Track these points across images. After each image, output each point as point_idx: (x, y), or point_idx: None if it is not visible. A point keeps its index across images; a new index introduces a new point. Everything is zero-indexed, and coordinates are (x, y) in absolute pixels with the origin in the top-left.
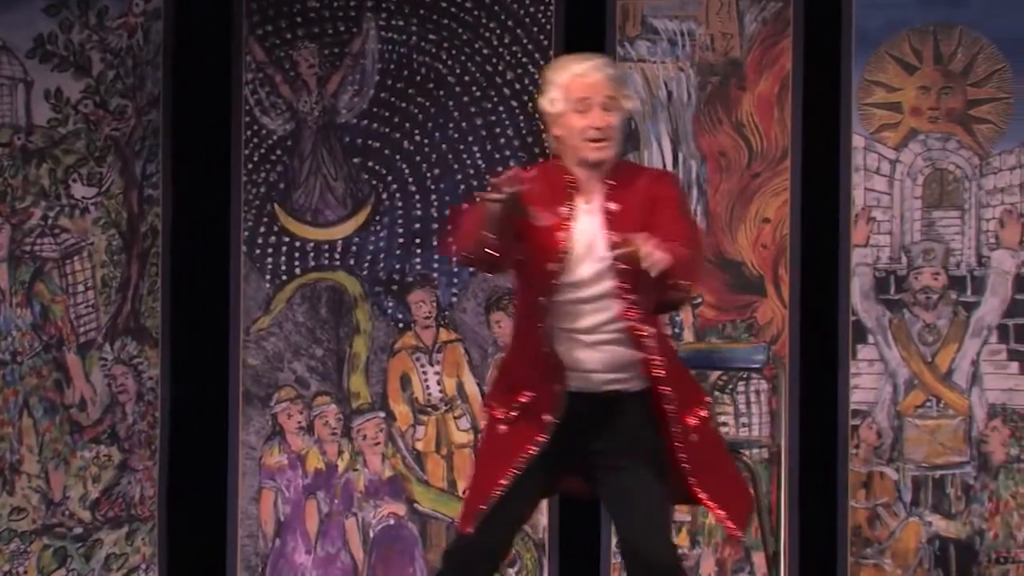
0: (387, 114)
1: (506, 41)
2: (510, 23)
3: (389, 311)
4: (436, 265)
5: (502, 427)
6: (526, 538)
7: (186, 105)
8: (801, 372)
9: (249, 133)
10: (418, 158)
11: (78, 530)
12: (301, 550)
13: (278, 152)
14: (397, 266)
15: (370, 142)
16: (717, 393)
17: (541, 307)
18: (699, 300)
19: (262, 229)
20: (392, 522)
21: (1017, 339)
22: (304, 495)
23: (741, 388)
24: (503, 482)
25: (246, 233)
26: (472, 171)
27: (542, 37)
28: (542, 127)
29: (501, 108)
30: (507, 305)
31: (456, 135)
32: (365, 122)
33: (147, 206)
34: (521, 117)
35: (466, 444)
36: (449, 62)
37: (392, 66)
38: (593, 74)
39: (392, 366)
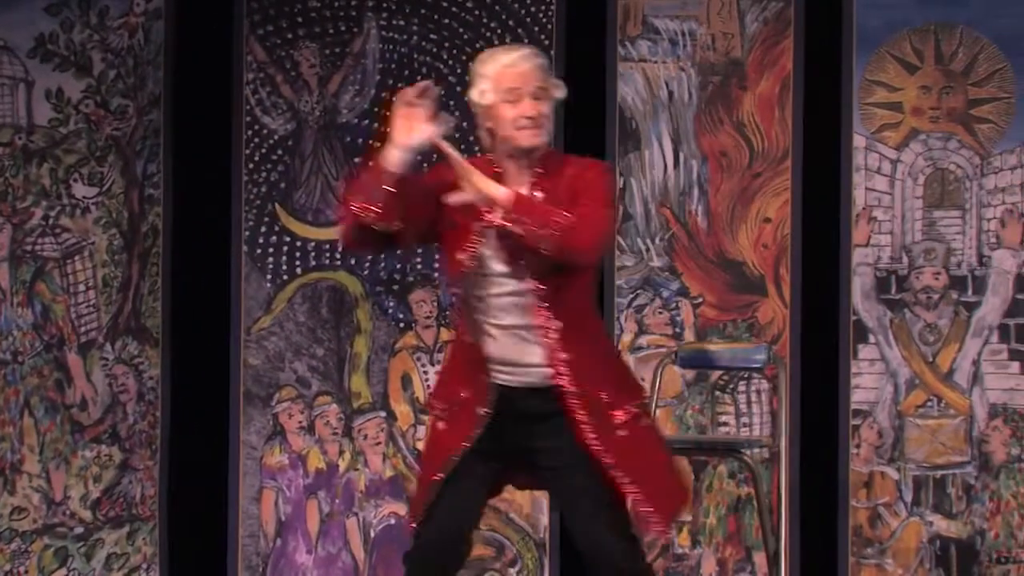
0: (388, 114)
1: (507, 41)
2: (511, 23)
3: (390, 311)
4: (437, 265)
5: (441, 424)
6: (527, 537)
7: (187, 105)
8: (802, 372)
9: (250, 133)
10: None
11: (79, 530)
12: (302, 550)
13: (279, 152)
14: (398, 266)
15: (371, 142)
16: (718, 393)
17: (460, 298)
18: (700, 299)
19: (263, 229)
20: (393, 522)
21: (1018, 339)
22: (305, 495)
23: (742, 388)
24: (439, 476)
25: (247, 233)
26: None
27: (543, 37)
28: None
29: None
30: None
31: (457, 135)
32: (366, 122)
33: (148, 206)
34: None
35: None
36: (450, 62)
37: (393, 66)
38: (522, 64)
39: (393, 366)
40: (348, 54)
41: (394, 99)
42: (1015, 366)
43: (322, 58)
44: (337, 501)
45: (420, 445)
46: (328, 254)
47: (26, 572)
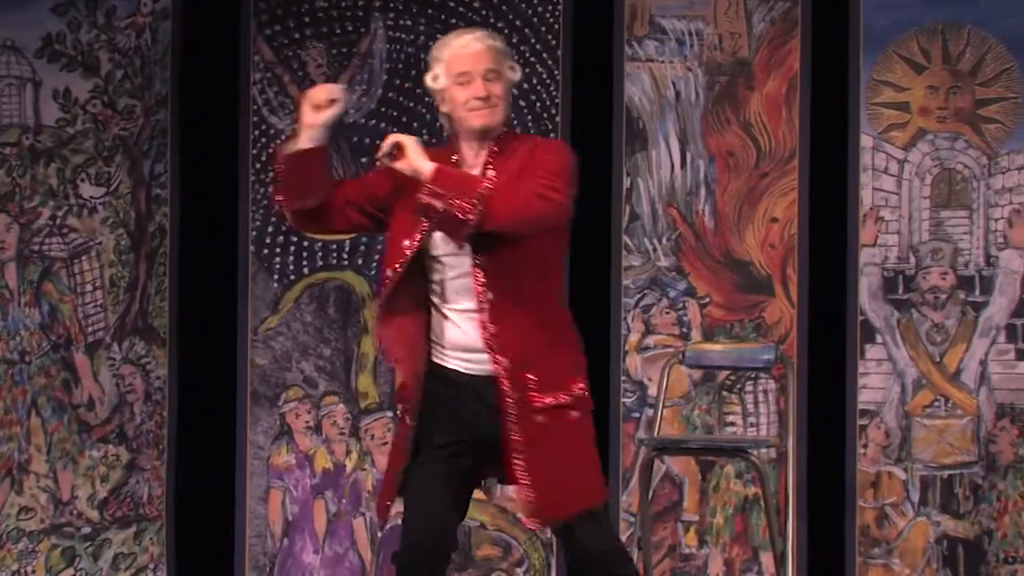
0: (395, 114)
1: (514, 41)
2: (518, 23)
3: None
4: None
5: (401, 420)
6: (533, 538)
7: (194, 105)
8: (809, 372)
9: (257, 133)
10: None
11: (86, 529)
12: (309, 550)
13: None
14: None
15: (378, 142)
16: (725, 393)
17: (399, 284)
18: (707, 299)
19: (270, 229)
20: (400, 522)
21: None
22: (312, 495)
23: (749, 388)
24: (392, 473)
25: (254, 233)
26: None
27: (550, 37)
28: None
29: None
30: None
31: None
32: (373, 122)
33: (155, 206)
34: (529, 117)
35: None
36: None
37: (400, 66)
38: (473, 46)
39: None
40: (355, 54)
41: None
42: (1022, 366)
43: (329, 58)
44: (344, 501)
45: None
46: (335, 254)
47: (33, 572)
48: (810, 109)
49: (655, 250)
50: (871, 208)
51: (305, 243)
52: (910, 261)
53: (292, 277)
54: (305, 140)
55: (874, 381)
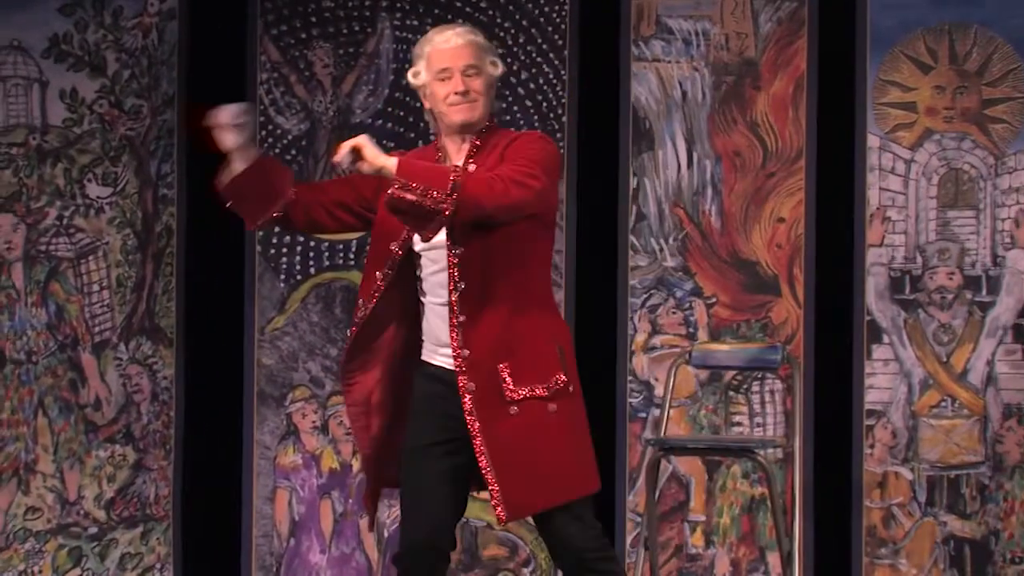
0: (402, 114)
1: (521, 41)
2: (525, 23)
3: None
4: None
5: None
6: (540, 538)
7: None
8: (816, 372)
9: (264, 133)
10: None
11: (93, 530)
12: (316, 550)
13: (293, 152)
14: None
15: (385, 142)
16: (732, 393)
17: (390, 285)
18: (713, 299)
19: (276, 229)
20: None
21: None
22: (319, 495)
23: (756, 388)
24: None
25: (260, 233)
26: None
27: (557, 37)
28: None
29: (516, 108)
30: None
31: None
32: (380, 122)
33: (162, 206)
34: (536, 117)
35: None
36: None
37: (407, 66)
38: (453, 41)
39: None
40: (362, 54)
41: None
42: None
43: (336, 58)
44: (351, 501)
45: None
46: (342, 254)
47: (40, 572)
48: (817, 109)
49: (662, 250)
50: (878, 208)
51: (311, 243)
52: (917, 261)
53: (299, 277)
54: (236, 162)
55: (881, 381)
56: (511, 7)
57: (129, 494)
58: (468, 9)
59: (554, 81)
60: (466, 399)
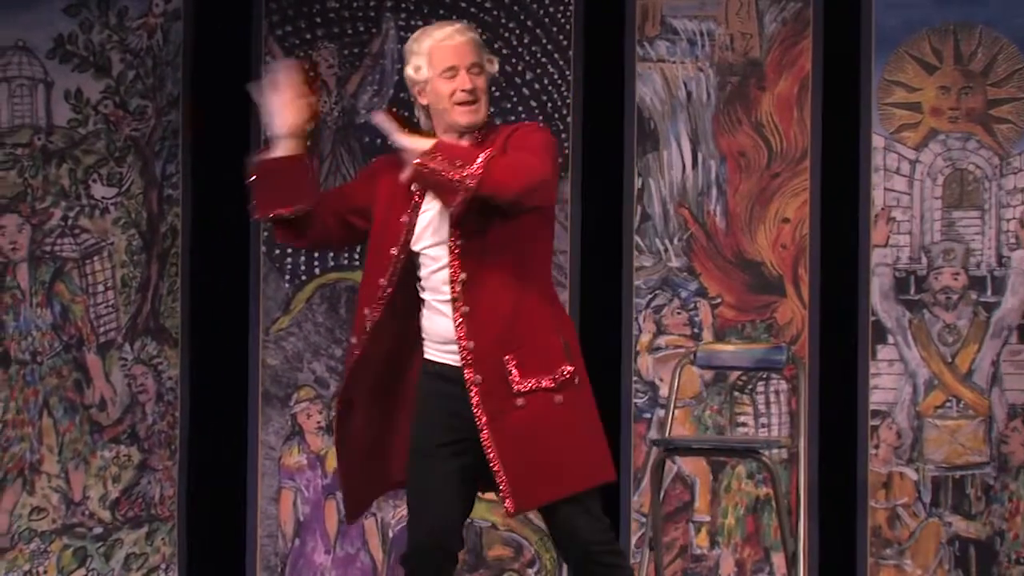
0: (406, 114)
1: (525, 41)
2: (529, 23)
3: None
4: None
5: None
6: (545, 538)
7: (206, 105)
8: (821, 372)
9: (268, 133)
10: None
11: (98, 530)
12: (320, 550)
13: None
14: None
15: (389, 143)
16: (736, 393)
17: (391, 293)
18: (718, 300)
19: (275, 229)
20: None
21: None
22: (323, 495)
23: (761, 388)
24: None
25: (265, 233)
26: None
27: (561, 37)
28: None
29: (520, 108)
30: None
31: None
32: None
33: (167, 206)
34: (540, 117)
35: None
36: None
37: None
38: (456, 38)
39: None
40: (367, 54)
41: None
42: None
43: (340, 58)
44: None
45: None
46: (346, 254)
47: (45, 572)
48: (822, 109)
49: (666, 250)
50: (883, 208)
51: None
52: (922, 261)
53: (303, 277)
54: (280, 147)
55: (886, 382)
56: (516, 7)
57: (134, 494)
58: (473, 9)
59: (559, 81)
60: (473, 392)
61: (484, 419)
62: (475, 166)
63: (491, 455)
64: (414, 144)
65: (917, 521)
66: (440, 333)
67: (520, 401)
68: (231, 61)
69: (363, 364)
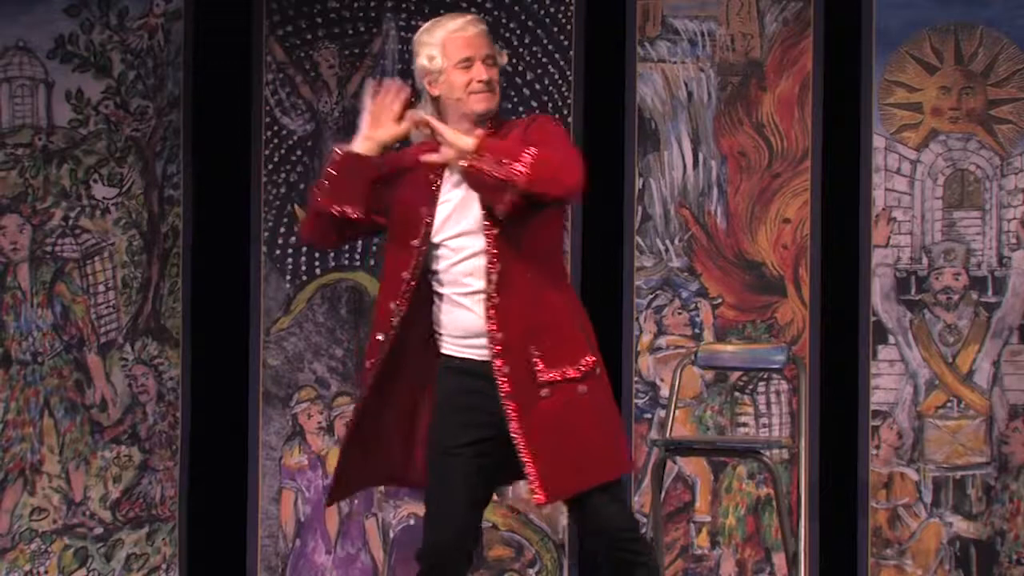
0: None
1: (526, 41)
2: (530, 23)
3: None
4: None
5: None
6: (546, 538)
7: (206, 106)
8: (821, 373)
9: (269, 133)
10: None
11: (99, 530)
12: (321, 550)
13: (298, 152)
14: None
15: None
16: (737, 393)
17: (407, 288)
18: (719, 300)
19: (282, 229)
20: (412, 522)
21: None
22: (324, 495)
23: (761, 388)
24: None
25: (266, 233)
26: None
27: (562, 37)
28: (423, 89)
29: (521, 108)
30: None
31: None
32: None
33: (168, 206)
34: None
35: None
36: None
37: (412, 66)
38: (469, 29)
39: None
40: (367, 55)
41: (371, 92)
42: None
43: (341, 59)
44: (356, 502)
45: None
46: (347, 255)
47: (46, 572)
48: (822, 110)
49: (667, 251)
50: (883, 209)
51: None
52: (922, 262)
53: (304, 278)
54: (353, 148)
55: (886, 382)
56: (516, 7)
57: (135, 495)
58: (473, 9)
59: (560, 81)
60: (503, 383)
61: (513, 410)
62: (522, 164)
63: (520, 446)
64: (459, 141)
65: (918, 521)
66: (463, 327)
67: (545, 391)
68: (231, 61)
69: (390, 358)
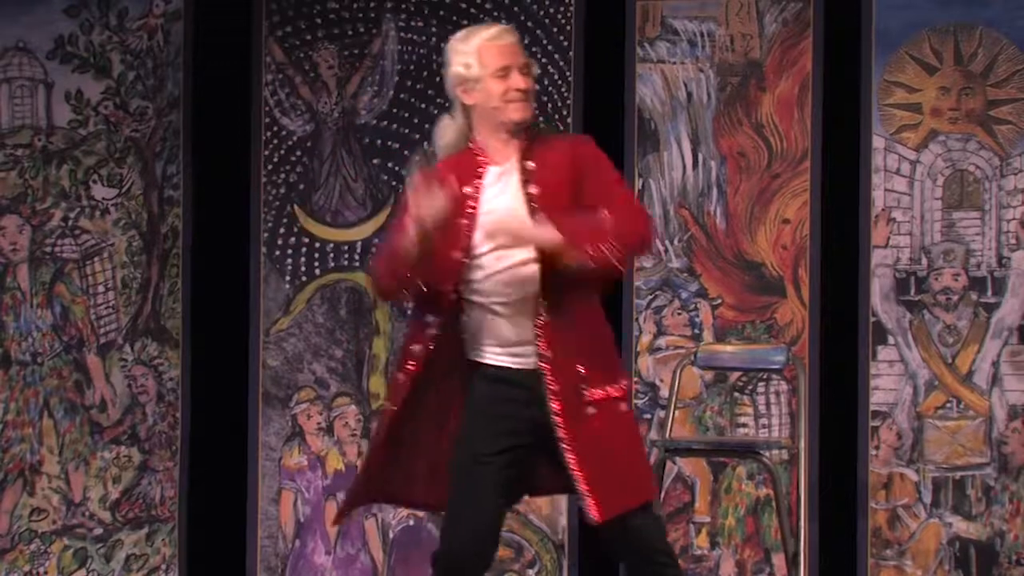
0: (406, 115)
1: (526, 42)
2: (530, 24)
3: (409, 312)
4: None
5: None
6: (545, 539)
7: (206, 106)
8: (821, 373)
9: (269, 134)
10: None
11: (98, 531)
12: (321, 551)
13: (298, 153)
14: None
15: (389, 143)
16: (737, 394)
17: (442, 301)
18: (719, 301)
19: (282, 230)
20: (412, 523)
21: None
22: (324, 496)
23: (761, 389)
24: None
25: (266, 234)
26: None
27: (562, 38)
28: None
29: None
30: None
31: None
32: (384, 123)
33: (167, 207)
34: (540, 117)
35: None
36: None
37: (411, 67)
38: (505, 38)
39: None
40: (367, 55)
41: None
42: None
43: (341, 59)
44: None
45: None
46: (347, 255)
47: (46, 573)
48: (822, 110)
49: (667, 251)
50: (883, 209)
51: (317, 244)
52: (922, 262)
53: (304, 278)
54: (412, 239)
55: (886, 382)
56: (516, 8)
57: (134, 495)
58: (473, 10)
59: (559, 82)
60: (552, 400)
61: (564, 428)
62: (609, 246)
63: (572, 463)
64: (542, 236)
65: (917, 522)
66: (501, 336)
67: (591, 410)
68: (231, 62)
69: (426, 370)
